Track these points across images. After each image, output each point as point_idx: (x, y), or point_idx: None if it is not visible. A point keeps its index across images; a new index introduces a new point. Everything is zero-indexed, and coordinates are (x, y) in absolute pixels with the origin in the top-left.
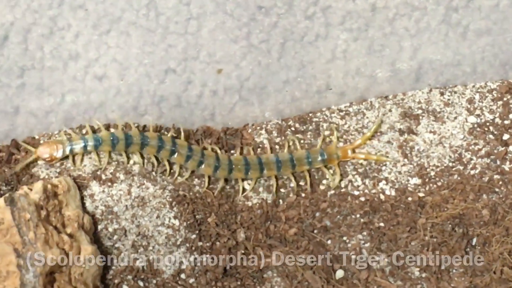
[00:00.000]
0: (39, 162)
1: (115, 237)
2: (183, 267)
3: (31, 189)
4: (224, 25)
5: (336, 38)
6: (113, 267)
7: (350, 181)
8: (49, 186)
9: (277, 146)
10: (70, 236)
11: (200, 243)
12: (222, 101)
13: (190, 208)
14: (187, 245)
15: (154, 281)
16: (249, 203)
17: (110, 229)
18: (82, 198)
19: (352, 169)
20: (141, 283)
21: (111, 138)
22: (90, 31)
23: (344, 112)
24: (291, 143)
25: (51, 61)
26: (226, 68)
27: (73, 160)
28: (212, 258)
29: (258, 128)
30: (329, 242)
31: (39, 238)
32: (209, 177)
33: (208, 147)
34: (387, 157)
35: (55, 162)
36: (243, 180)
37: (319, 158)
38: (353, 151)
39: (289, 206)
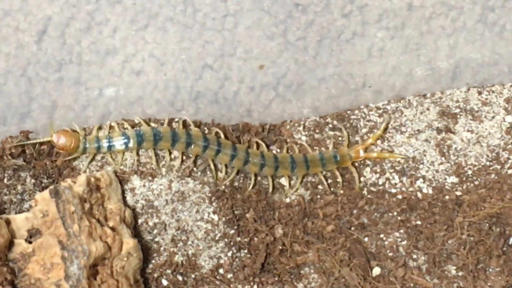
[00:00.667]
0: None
1: (155, 231)
2: (222, 262)
3: (74, 182)
4: (261, 22)
5: (373, 37)
6: (153, 261)
7: (388, 179)
8: (92, 179)
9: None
10: (112, 229)
11: (238, 239)
12: (259, 98)
13: (229, 203)
14: (226, 240)
15: (193, 276)
16: (287, 200)
17: (150, 223)
18: (122, 192)
19: (390, 167)
20: (180, 278)
21: (123, 138)
22: (127, 26)
23: (382, 110)
24: (329, 140)
25: (89, 55)
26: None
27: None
28: (250, 254)
29: (296, 124)
30: (366, 239)
31: (83, 230)
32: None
33: (254, 143)
34: (400, 154)
35: (65, 153)
36: (255, 175)
37: (333, 160)
38: (365, 150)
39: (326, 203)
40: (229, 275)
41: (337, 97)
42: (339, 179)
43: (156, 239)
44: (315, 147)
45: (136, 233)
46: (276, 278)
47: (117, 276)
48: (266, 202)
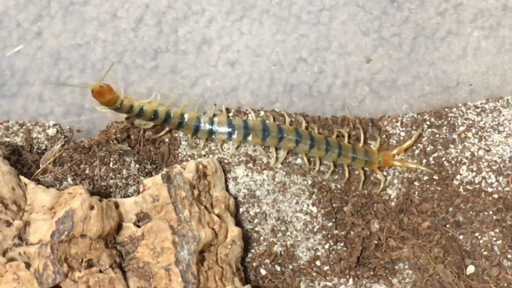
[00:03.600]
0: (182, 142)
1: (256, 220)
2: (319, 254)
3: (183, 168)
4: (356, 17)
5: (468, 36)
6: (252, 250)
7: (484, 177)
8: (200, 166)
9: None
10: (218, 217)
11: (335, 231)
12: (353, 93)
13: (328, 196)
14: (324, 232)
15: (290, 267)
16: (385, 195)
17: (251, 213)
18: (225, 181)
19: (486, 166)
20: (278, 268)
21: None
22: (223, 17)
23: (480, 108)
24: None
25: (184, 44)
26: (356, 60)
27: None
28: (346, 247)
29: (394, 120)
30: (461, 237)
31: (194, 216)
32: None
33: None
34: (426, 167)
35: (107, 106)
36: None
37: (362, 158)
38: (393, 157)
39: (423, 199)
40: (326, 268)
41: (431, 95)
42: (362, 179)
43: (256, 229)
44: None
45: (237, 222)
46: (371, 273)
47: (221, 263)
48: (364, 197)
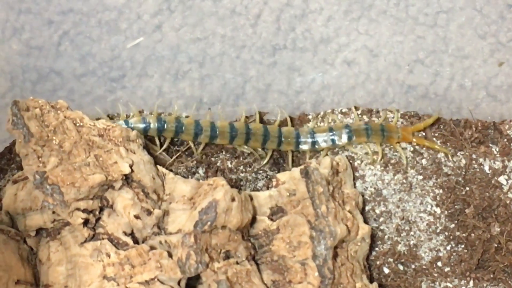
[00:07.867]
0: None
1: (381, 219)
2: (440, 255)
3: (319, 164)
4: (473, 20)
5: None
6: (376, 249)
7: None
8: (334, 162)
9: None
10: (350, 213)
11: (457, 233)
12: (469, 96)
13: (452, 198)
14: (446, 233)
15: (413, 266)
16: (507, 199)
17: (377, 211)
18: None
19: None
20: (400, 267)
21: (176, 124)
22: (341, 16)
23: None
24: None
25: (302, 42)
26: (473, 63)
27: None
28: (467, 249)
29: None
30: None
31: (330, 212)
32: None
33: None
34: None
35: None
36: None
37: (379, 133)
38: (413, 134)
39: None
40: (447, 269)
41: None
42: (380, 154)
43: (381, 227)
44: None
45: (363, 219)
46: (491, 276)
47: (351, 260)
48: (487, 200)
